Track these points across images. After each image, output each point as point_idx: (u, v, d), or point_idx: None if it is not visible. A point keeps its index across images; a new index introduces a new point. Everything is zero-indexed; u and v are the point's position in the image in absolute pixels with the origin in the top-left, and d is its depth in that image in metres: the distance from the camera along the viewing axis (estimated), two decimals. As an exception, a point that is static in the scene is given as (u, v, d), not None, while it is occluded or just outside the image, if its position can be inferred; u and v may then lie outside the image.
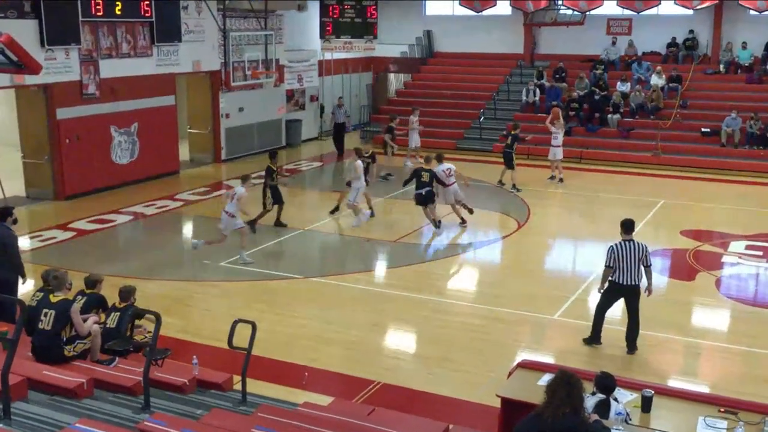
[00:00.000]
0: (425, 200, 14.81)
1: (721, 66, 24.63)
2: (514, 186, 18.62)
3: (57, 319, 7.51)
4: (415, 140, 21.42)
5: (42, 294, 7.83)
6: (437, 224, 14.99)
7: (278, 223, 15.35)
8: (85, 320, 7.86)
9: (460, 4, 26.67)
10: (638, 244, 9.53)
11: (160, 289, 12.06)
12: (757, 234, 15.13)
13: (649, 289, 9.74)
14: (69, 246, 14.42)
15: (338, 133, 23.93)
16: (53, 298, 7.65)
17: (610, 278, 9.63)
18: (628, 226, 9.72)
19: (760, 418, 5.89)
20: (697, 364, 9.89)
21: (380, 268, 13.74)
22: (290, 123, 24.74)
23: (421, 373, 9.33)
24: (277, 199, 15.15)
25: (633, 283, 9.52)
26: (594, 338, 9.91)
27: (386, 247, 14.53)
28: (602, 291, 9.82)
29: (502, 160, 19.14)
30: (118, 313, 8.33)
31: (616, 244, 9.54)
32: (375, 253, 14.36)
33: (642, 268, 9.51)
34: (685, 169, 21.23)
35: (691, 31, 25.45)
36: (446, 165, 15.39)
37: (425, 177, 14.72)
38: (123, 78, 18.50)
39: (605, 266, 9.61)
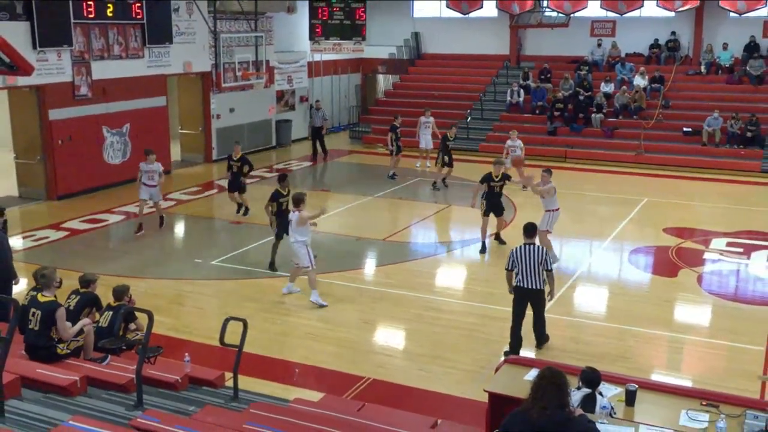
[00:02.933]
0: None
1: (703, 67, 24.77)
2: (436, 182, 18.85)
3: (43, 320, 7.42)
4: (425, 141, 20.97)
5: (34, 293, 7.77)
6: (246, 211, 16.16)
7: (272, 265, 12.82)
8: (73, 324, 7.76)
9: (448, 6, 26.72)
10: (538, 248, 9.41)
11: (152, 288, 12.01)
12: (738, 231, 15.23)
13: (551, 294, 9.60)
14: (62, 245, 14.35)
15: (316, 136, 23.19)
16: (41, 298, 7.55)
17: (515, 283, 9.45)
18: (529, 230, 9.64)
19: (740, 411, 5.93)
20: (679, 358, 9.95)
21: (370, 266, 13.74)
22: (280, 123, 24.71)
23: (410, 369, 9.34)
24: (282, 229, 12.25)
25: (534, 287, 9.33)
26: (513, 350, 9.50)
27: (376, 246, 14.53)
28: (513, 299, 9.56)
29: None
30: (111, 312, 8.30)
31: (516, 248, 9.45)
32: (365, 251, 14.36)
33: (544, 272, 9.31)
34: (667, 167, 21.34)
35: (673, 33, 25.58)
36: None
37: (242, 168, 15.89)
38: (115, 79, 18.42)
39: (505, 269, 9.55)
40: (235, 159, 16.06)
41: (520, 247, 9.44)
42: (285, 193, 12.40)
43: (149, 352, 7.64)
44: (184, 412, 6.56)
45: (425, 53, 29.12)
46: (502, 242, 14.27)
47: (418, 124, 21.03)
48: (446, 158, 18.65)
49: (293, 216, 11.28)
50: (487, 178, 13.92)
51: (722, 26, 24.78)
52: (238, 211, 16.24)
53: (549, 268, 9.36)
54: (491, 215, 13.99)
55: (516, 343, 9.57)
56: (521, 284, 9.39)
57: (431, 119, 20.90)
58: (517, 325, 9.55)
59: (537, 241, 9.87)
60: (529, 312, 9.60)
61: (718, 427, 5.51)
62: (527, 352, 9.59)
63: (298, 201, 11.31)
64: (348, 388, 8.72)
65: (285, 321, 10.73)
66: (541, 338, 9.72)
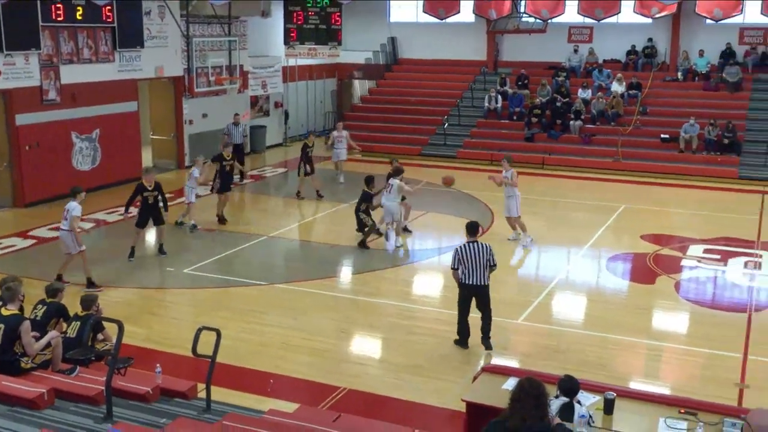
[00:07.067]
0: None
1: (679, 73, 25.12)
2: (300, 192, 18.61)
3: (6, 334, 7.27)
4: (337, 154, 20.28)
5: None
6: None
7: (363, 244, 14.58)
8: (38, 339, 7.62)
9: (424, 11, 26.81)
10: (483, 245, 9.80)
11: (123, 297, 11.90)
12: (715, 238, 15.42)
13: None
14: (29, 254, 14.17)
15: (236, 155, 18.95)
16: (5, 312, 7.42)
17: (461, 280, 9.81)
18: (471, 228, 9.99)
19: (718, 419, 6.00)
20: (657, 366, 10.03)
21: (346, 274, 13.72)
22: (254, 129, 24.62)
23: (387, 378, 9.32)
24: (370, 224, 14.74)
25: (479, 283, 9.75)
26: (461, 341, 10.07)
27: (351, 253, 14.51)
28: (458, 294, 10.03)
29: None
30: (79, 322, 8.19)
31: (460, 246, 9.80)
32: (341, 259, 14.34)
33: (488, 268, 9.78)
34: (645, 174, 21.57)
35: (650, 39, 25.91)
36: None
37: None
38: (84, 84, 18.27)
39: (451, 268, 9.91)
40: (149, 188, 13.39)
41: (465, 245, 9.77)
42: (374, 192, 14.89)
43: (119, 363, 7.55)
44: (155, 425, 6.50)
45: (402, 58, 29.20)
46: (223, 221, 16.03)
47: (330, 138, 20.49)
48: (308, 167, 18.35)
49: (394, 182, 14.40)
50: (218, 158, 16.16)
51: (698, 33, 25.16)
52: (162, 251, 13.84)
53: (493, 263, 9.81)
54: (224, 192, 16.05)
55: (465, 334, 10.04)
56: (467, 281, 9.75)
57: (344, 132, 20.33)
58: (463, 319, 10.00)
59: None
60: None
61: (696, 435, 5.56)
62: (508, 361, 9.63)
63: (400, 171, 14.74)
64: (323, 399, 8.69)
65: (259, 330, 10.67)
66: (488, 336, 9.99)
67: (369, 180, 15.06)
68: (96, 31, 18.47)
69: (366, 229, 14.82)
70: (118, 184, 19.17)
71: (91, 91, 18.45)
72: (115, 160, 19.33)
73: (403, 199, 15.21)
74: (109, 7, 18.41)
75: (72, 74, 17.97)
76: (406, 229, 15.45)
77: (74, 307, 8.63)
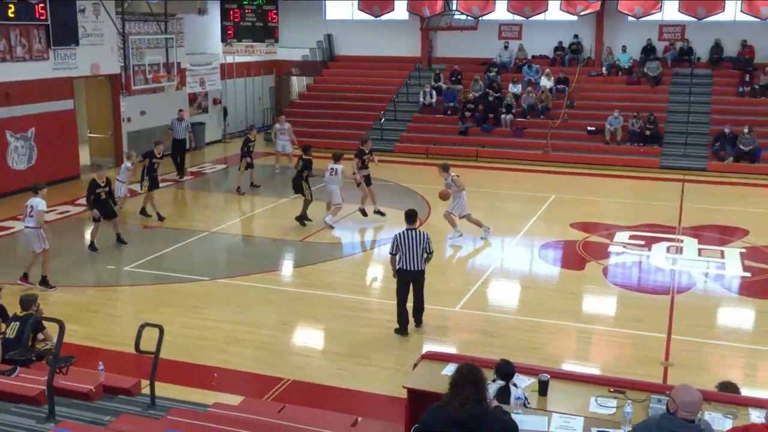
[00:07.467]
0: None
1: (604, 68, 25.70)
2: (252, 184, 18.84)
3: None
4: (282, 145, 20.82)
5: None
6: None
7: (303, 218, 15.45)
8: None
9: (360, 9, 26.79)
10: (420, 232, 10.03)
11: (64, 297, 11.58)
12: (639, 225, 15.85)
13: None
14: (-36, 255, 13.67)
15: (177, 151, 20.30)
16: None
17: (399, 266, 10.04)
18: (410, 216, 10.29)
19: (645, 396, 6.17)
20: (588, 348, 10.28)
21: (288, 267, 13.64)
22: (194, 126, 24.14)
23: (330, 368, 9.32)
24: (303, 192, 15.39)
25: (416, 268, 10.01)
26: (401, 329, 10.20)
27: (293, 247, 14.44)
28: (396, 281, 10.20)
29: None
30: (18, 323, 7.95)
31: (399, 233, 10.03)
32: (282, 252, 14.25)
33: (424, 254, 10.01)
34: (573, 165, 22.02)
35: (576, 36, 26.42)
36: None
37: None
38: (18, 82, 17.68)
39: (389, 254, 10.16)
40: (102, 185, 13.54)
41: (403, 232, 10.01)
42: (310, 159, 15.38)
43: (60, 362, 7.36)
44: (99, 422, 6.36)
45: (338, 55, 29.11)
46: (146, 215, 15.96)
47: (273, 130, 21.16)
48: (248, 160, 18.44)
49: (338, 167, 15.08)
50: (149, 155, 15.89)
51: (621, 30, 25.78)
52: (121, 241, 14.03)
53: (430, 251, 10.03)
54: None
55: (404, 322, 10.19)
56: (405, 267, 9.99)
57: (287, 125, 20.84)
58: (402, 308, 10.17)
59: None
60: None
61: (624, 411, 5.71)
62: (447, 347, 9.73)
63: (339, 157, 15.36)
64: (268, 390, 8.64)
65: (202, 326, 10.53)
66: (420, 317, 10.34)
67: (306, 148, 15.56)
68: (29, 28, 17.87)
69: (303, 202, 15.33)
70: (56, 183, 18.62)
71: (25, 90, 17.87)
72: (51, 159, 18.78)
73: (369, 184, 16.06)
74: (42, 5, 17.82)
75: (5, 72, 17.36)
76: (380, 213, 16.11)
77: (14, 307, 8.37)
